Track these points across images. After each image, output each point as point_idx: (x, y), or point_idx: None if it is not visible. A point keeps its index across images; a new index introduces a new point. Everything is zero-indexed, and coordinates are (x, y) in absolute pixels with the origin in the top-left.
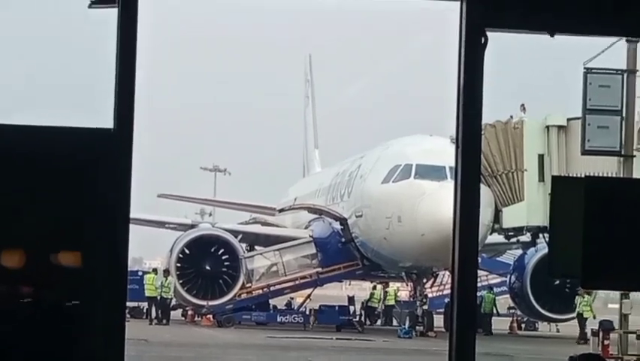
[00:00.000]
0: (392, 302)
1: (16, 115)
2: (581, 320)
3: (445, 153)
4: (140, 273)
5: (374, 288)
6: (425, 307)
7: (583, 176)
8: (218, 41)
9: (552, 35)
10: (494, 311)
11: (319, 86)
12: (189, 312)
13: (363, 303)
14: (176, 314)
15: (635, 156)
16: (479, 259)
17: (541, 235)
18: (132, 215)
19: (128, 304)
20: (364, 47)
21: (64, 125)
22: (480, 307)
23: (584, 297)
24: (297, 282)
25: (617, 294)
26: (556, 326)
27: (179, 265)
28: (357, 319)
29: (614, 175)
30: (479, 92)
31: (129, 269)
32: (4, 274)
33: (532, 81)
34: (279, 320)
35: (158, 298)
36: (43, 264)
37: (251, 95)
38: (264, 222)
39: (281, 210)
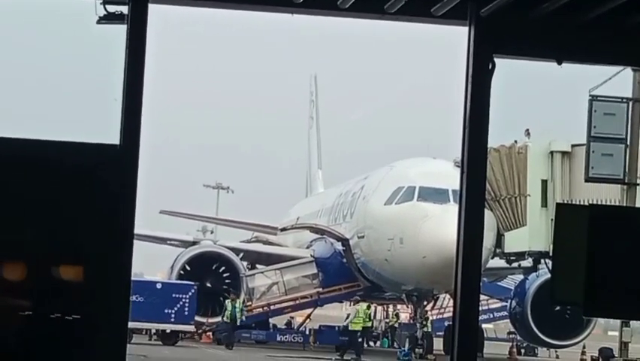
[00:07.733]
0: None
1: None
2: (352, 334)
3: (448, 175)
4: None
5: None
6: (425, 329)
7: (586, 203)
8: (223, 58)
9: (560, 63)
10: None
11: (324, 107)
12: None
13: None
14: None
15: (638, 184)
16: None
17: (542, 261)
18: (134, 230)
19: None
20: (371, 70)
21: (71, 140)
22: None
23: (367, 308)
24: (297, 301)
25: (617, 321)
26: (556, 351)
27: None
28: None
29: (616, 203)
30: (486, 116)
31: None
32: (5, 286)
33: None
34: (278, 339)
35: None
36: (45, 277)
37: (256, 114)
38: (266, 241)
39: (283, 230)
